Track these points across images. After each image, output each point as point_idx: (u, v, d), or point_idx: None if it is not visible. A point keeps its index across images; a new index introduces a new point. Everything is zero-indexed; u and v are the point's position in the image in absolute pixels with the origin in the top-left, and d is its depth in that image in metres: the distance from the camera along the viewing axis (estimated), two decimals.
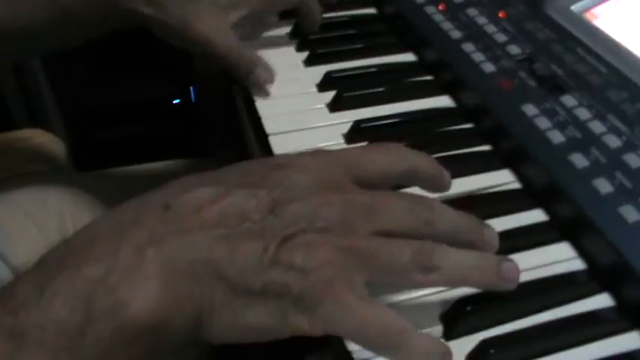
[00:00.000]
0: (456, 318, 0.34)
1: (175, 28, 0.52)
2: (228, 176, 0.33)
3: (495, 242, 0.35)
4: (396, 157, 0.36)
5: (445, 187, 0.37)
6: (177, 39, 0.53)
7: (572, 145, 0.42)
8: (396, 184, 0.37)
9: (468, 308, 0.34)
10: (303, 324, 0.30)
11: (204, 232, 0.29)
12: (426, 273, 0.31)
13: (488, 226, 0.35)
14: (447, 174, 0.37)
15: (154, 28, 0.53)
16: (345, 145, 0.48)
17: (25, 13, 0.52)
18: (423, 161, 0.36)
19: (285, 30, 0.62)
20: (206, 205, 0.30)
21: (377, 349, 0.30)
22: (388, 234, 0.32)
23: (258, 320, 0.30)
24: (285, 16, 0.60)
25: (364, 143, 0.47)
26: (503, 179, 0.44)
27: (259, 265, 0.29)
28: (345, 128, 0.49)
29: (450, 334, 0.34)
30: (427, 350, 0.30)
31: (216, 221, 0.30)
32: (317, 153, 0.35)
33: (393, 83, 0.55)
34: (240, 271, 0.29)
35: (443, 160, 0.46)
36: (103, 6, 0.52)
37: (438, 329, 0.34)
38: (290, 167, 0.33)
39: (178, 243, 0.29)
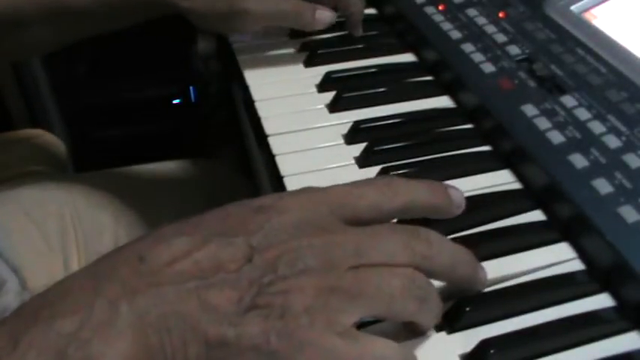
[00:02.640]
0: (456, 318, 0.34)
1: (220, 13, 0.54)
2: (207, 223, 0.32)
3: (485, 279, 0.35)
4: (389, 191, 0.33)
5: (455, 211, 0.35)
6: (220, 24, 0.56)
7: (572, 146, 0.42)
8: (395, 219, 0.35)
9: (468, 309, 0.34)
10: None
11: (177, 285, 0.29)
12: (419, 303, 0.31)
13: (481, 266, 0.35)
14: (454, 196, 0.35)
15: (197, 17, 0.55)
16: (344, 146, 0.48)
17: None
18: (421, 192, 0.34)
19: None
20: (180, 257, 0.29)
21: None
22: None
23: None
24: None
25: (364, 144, 0.47)
26: (503, 179, 0.44)
27: (234, 315, 0.28)
28: (345, 129, 0.49)
29: (449, 334, 0.34)
30: None
31: (190, 273, 0.29)
32: (302, 192, 0.33)
33: (393, 83, 0.55)
34: (213, 322, 0.28)
35: (443, 161, 0.46)
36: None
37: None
38: (271, 210, 0.32)
39: (150, 297, 0.28)
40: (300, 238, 0.30)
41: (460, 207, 0.35)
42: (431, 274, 0.32)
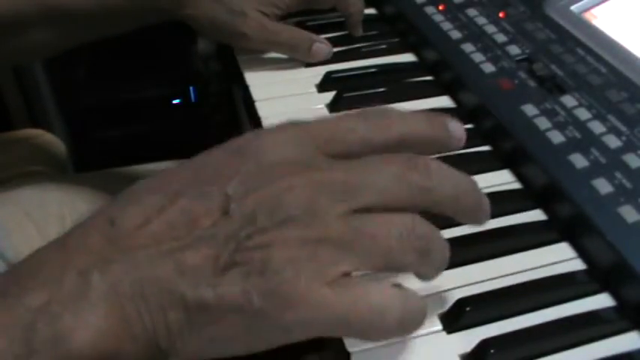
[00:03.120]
0: (456, 318, 0.34)
1: (219, 30, 0.55)
2: (180, 175, 0.30)
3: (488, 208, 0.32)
4: (381, 123, 0.30)
5: (455, 143, 0.32)
6: (218, 37, 0.58)
7: (572, 145, 0.42)
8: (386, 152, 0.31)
9: (468, 309, 0.34)
10: (276, 335, 0.27)
11: (150, 249, 0.27)
12: (420, 255, 0.28)
13: (484, 195, 0.32)
14: (454, 128, 0.32)
15: (198, 27, 0.56)
16: None
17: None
18: (417, 124, 0.31)
19: None
20: (152, 217, 0.27)
21: (372, 334, 0.28)
22: (373, 210, 0.28)
23: (224, 337, 0.27)
24: (286, 17, 0.60)
25: None
26: (503, 179, 0.44)
27: (211, 275, 0.26)
28: None
29: (449, 334, 0.34)
30: (421, 311, 0.29)
31: (164, 234, 0.27)
32: (284, 127, 0.30)
33: (393, 83, 0.55)
34: (190, 285, 0.26)
35: (442, 161, 0.46)
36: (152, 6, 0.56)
37: (437, 329, 0.34)
38: (249, 150, 0.29)
39: (123, 264, 0.27)
40: (280, 179, 0.28)
41: (460, 140, 0.32)
42: (432, 206, 0.29)
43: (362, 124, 0.30)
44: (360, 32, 0.60)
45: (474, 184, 0.31)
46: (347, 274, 0.27)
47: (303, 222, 0.27)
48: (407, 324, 0.29)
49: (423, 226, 0.29)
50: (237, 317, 0.26)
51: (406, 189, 0.28)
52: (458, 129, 0.32)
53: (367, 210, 0.28)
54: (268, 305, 0.26)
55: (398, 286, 0.29)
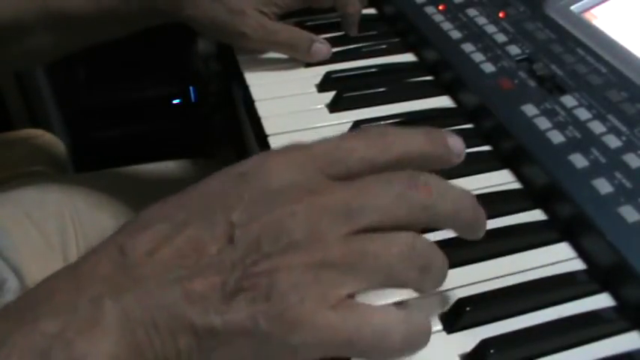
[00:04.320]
0: (456, 318, 0.34)
1: (219, 30, 0.56)
2: (187, 201, 0.30)
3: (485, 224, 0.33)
4: (382, 143, 0.31)
5: (455, 159, 0.32)
6: (219, 37, 0.58)
7: (572, 145, 0.42)
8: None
9: (468, 309, 0.34)
10: (283, 357, 0.28)
11: (159, 277, 0.28)
12: (421, 271, 0.29)
13: (482, 210, 0.32)
14: (454, 143, 0.32)
15: (198, 27, 0.57)
16: None
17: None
18: (417, 142, 0.32)
19: None
20: (160, 245, 0.28)
21: (376, 356, 0.28)
22: (374, 230, 0.28)
23: None
24: (286, 17, 0.60)
25: None
26: (503, 179, 0.44)
27: (219, 302, 0.27)
28: (345, 129, 0.49)
29: (449, 334, 0.34)
30: (426, 332, 0.29)
31: (172, 262, 0.28)
32: (286, 151, 0.31)
33: (393, 83, 0.55)
34: (199, 311, 0.27)
35: None
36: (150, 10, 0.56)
37: (437, 329, 0.34)
38: (252, 176, 0.30)
39: (134, 292, 0.27)
40: (283, 205, 0.28)
41: (460, 156, 0.33)
42: (432, 223, 0.30)
43: (362, 145, 0.31)
44: (355, 33, 0.60)
45: (473, 199, 0.32)
46: (351, 296, 0.28)
47: (306, 247, 0.28)
48: (411, 345, 0.29)
49: (423, 244, 0.29)
50: (245, 341, 0.27)
51: (407, 207, 0.29)
52: (457, 144, 0.33)
53: (369, 230, 0.29)
54: (274, 329, 0.27)
55: (402, 305, 0.30)
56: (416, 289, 0.31)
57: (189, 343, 0.27)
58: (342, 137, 0.31)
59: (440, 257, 0.30)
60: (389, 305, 0.29)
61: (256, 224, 0.28)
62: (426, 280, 0.30)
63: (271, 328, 0.27)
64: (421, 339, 0.30)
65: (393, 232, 0.29)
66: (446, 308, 0.35)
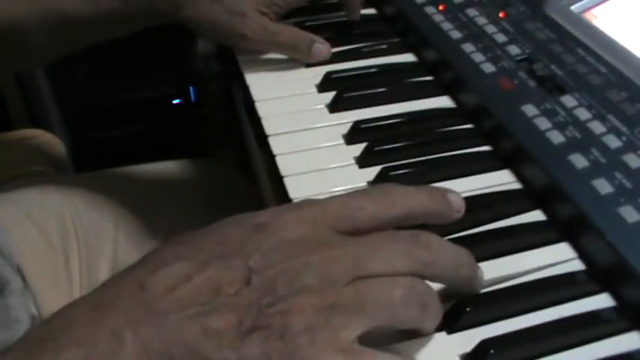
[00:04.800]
0: (456, 318, 0.34)
1: (220, 32, 0.56)
2: (205, 244, 0.32)
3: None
4: (387, 201, 0.33)
5: (455, 215, 0.35)
6: (218, 38, 0.58)
7: (572, 146, 0.42)
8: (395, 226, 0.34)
9: (468, 309, 0.34)
10: None
11: (178, 313, 0.29)
12: (421, 309, 0.31)
13: (478, 266, 0.35)
14: (454, 200, 0.35)
15: (198, 29, 0.57)
16: (344, 146, 0.48)
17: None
18: (420, 200, 0.34)
19: None
20: (180, 283, 0.30)
21: None
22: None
23: None
24: (286, 17, 0.60)
25: (364, 144, 0.47)
26: (503, 179, 0.44)
27: (234, 339, 0.28)
28: (345, 129, 0.49)
29: (449, 334, 0.34)
30: None
31: (191, 299, 0.29)
32: (300, 207, 0.33)
33: (393, 83, 0.55)
34: (215, 347, 0.28)
35: (443, 161, 0.46)
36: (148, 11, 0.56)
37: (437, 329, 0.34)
38: (269, 228, 0.32)
39: (153, 326, 0.29)
40: (297, 256, 0.30)
41: (460, 211, 0.35)
42: (432, 278, 0.32)
43: (370, 203, 0.33)
44: (357, 17, 0.61)
45: (470, 256, 0.34)
46: (359, 338, 0.30)
47: (318, 291, 0.29)
48: None
49: (422, 284, 0.31)
50: None
51: (410, 263, 0.31)
52: (457, 200, 0.35)
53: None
54: None
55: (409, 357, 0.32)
56: (417, 328, 0.32)
57: None
58: (351, 195, 0.34)
59: (436, 297, 0.32)
60: (393, 352, 0.31)
61: (272, 270, 0.30)
62: (426, 318, 0.32)
63: None
64: None
65: (395, 277, 0.31)
66: (446, 308, 0.35)
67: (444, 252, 0.32)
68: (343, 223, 0.32)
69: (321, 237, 0.32)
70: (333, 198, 0.34)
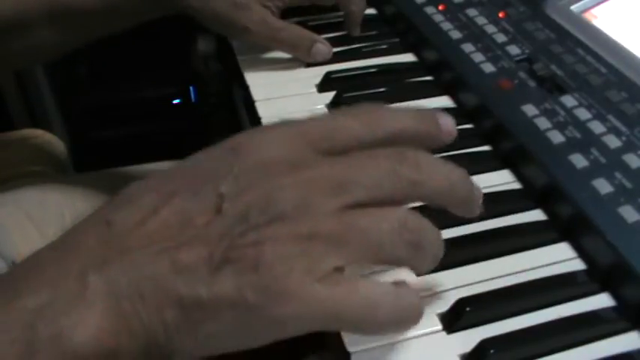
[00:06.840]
0: (456, 318, 0.34)
1: (222, 23, 0.55)
2: (175, 174, 0.30)
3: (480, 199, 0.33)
4: (372, 121, 0.31)
5: (445, 138, 0.32)
6: (219, 28, 0.57)
7: (572, 145, 0.42)
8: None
9: (468, 309, 0.34)
10: (271, 330, 0.27)
11: (146, 249, 0.27)
12: (412, 248, 0.28)
13: (475, 184, 0.32)
14: (444, 122, 0.32)
15: (201, 19, 0.56)
16: None
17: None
18: (407, 120, 0.31)
19: None
20: (147, 217, 0.28)
21: (365, 329, 0.28)
22: (365, 206, 0.28)
23: (221, 333, 0.27)
24: (287, 16, 0.60)
25: None
26: (503, 179, 0.44)
27: (206, 273, 0.26)
28: None
29: (449, 334, 0.34)
30: (416, 308, 0.29)
31: (159, 233, 0.27)
32: (277, 126, 0.31)
33: (393, 83, 0.55)
34: (186, 283, 0.27)
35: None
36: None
37: (437, 329, 0.34)
38: (243, 149, 0.29)
39: (120, 265, 0.27)
40: (272, 178, 0.28)
41: (451, 134, 0.33)
42: (424, 199, 0.30)
43: (353, 121, 0.31)
44: (358, 32, 0.60)
45: (465, 174, 0.31)
46: (339, 269, 0.28)
47: (294, 219, 0.27)
48: (400, 320, 0.29)
49: (415, 220, 0.29)
50: (232, 313, 0.27)
51: (397, 183, 0.29)
52: (448, 123, 0.32)
53: (359, 205, 0.28)
54: (261, 301, 0.26)
55: (397, 283, 0.29)
56: (410, 267, 0.30)
57: (175, 315, 0.27)
58: (332, 114, 0.32)
59: (434, 234, 0.30)
60: (377, 280, 0.29)
61: (245, 196, 0.28)
62: (419, 258, 0.29)
63: (257, 300, 0.26)
64: (411, 315, 0.30)
65: (384, 208, 0.28)
66: (446, 308, 0.35)
67: (435, 170, 0.30)
68: (323, 142, 0.30)
69: (298, 157, 0.29)
70: (313, 117, 0.31)
